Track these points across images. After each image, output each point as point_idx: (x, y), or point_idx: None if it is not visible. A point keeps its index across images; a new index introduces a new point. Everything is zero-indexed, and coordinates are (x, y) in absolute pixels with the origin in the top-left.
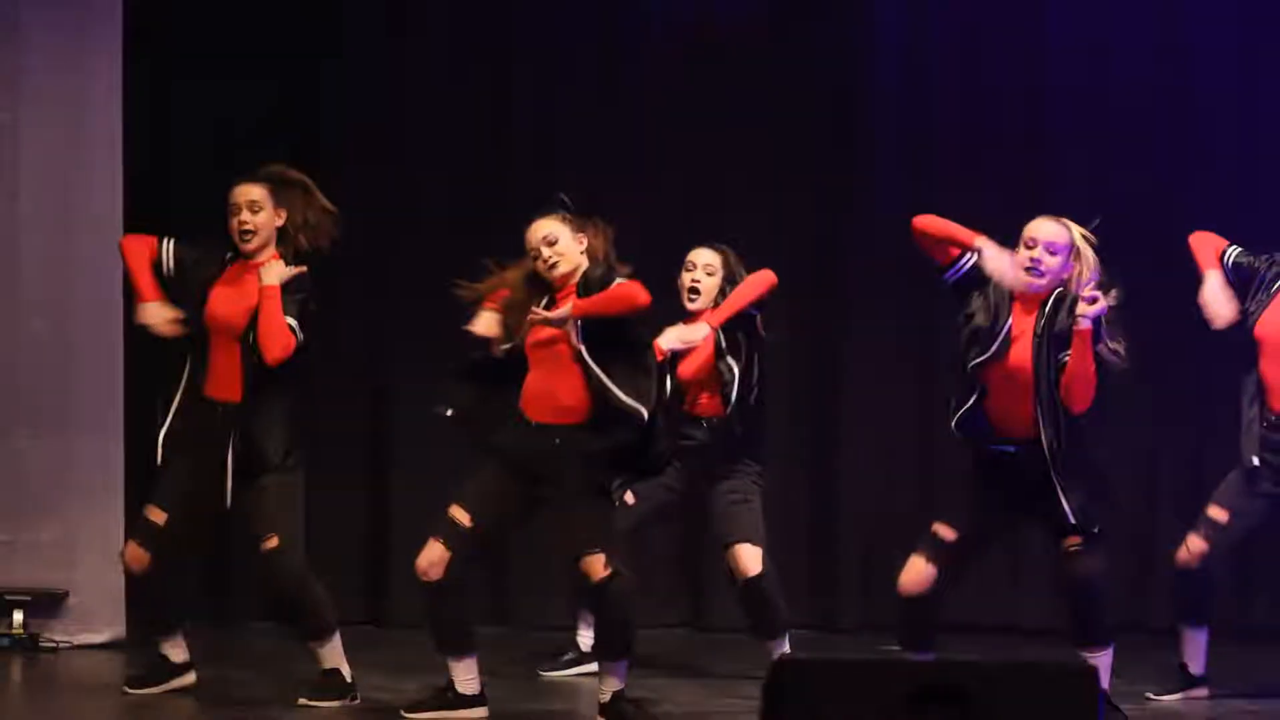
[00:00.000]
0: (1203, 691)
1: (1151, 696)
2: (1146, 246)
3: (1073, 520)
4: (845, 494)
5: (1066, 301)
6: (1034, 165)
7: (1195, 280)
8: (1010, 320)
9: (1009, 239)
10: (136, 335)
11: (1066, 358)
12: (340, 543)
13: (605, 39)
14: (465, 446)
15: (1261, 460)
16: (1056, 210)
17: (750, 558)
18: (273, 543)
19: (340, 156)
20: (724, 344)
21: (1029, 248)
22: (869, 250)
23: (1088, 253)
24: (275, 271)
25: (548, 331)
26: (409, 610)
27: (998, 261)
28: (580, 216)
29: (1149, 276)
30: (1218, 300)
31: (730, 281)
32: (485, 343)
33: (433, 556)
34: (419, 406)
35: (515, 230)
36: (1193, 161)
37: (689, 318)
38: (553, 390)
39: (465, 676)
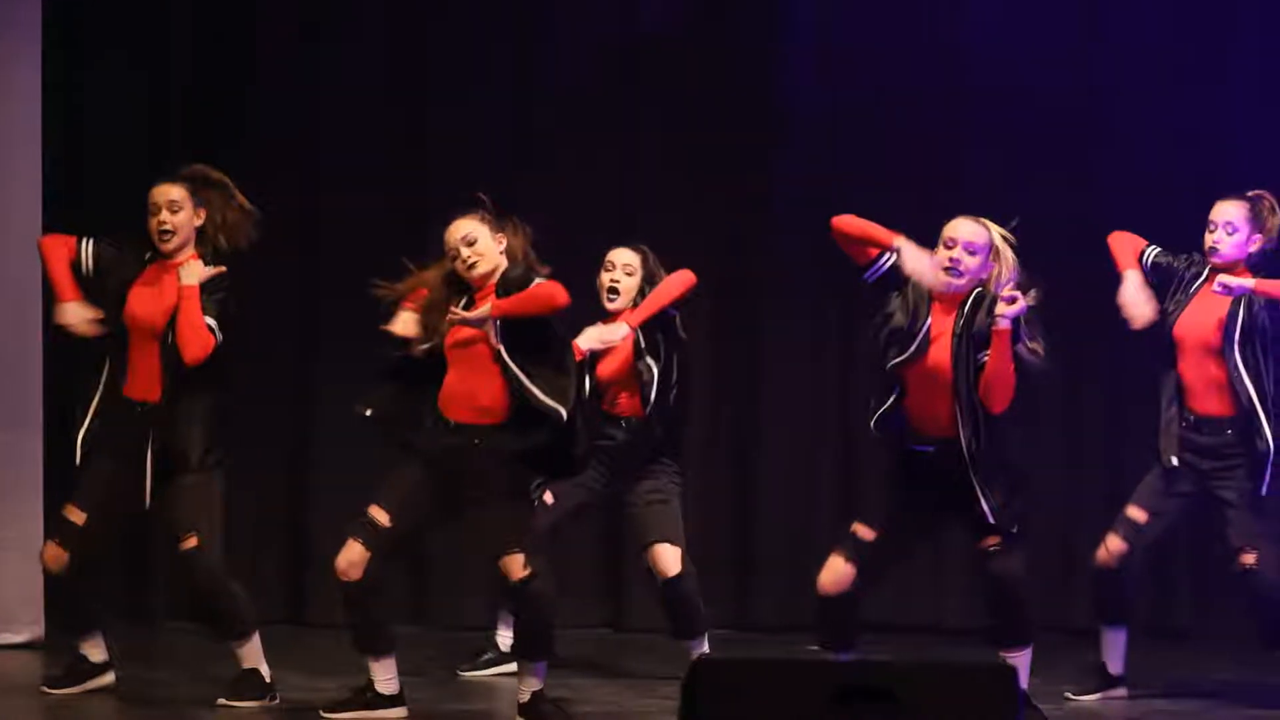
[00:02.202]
0: (1121, 691)
1: (1071, 696)
2: (1065, 246)
3: (991, 520)
4: (765, 494)
5: (985, 301)
6: (953, 165)
7: (1114, 280)
8: (929, 320)
9: (928, 239)
10: (56, 335)
11: (985, 358)
12: (261, 542)
13: (522, 40)
14: (386, 446)
15: (1180, 460)
16: (975, 210)
17: (670, 558)
18: (191, 542)
19: (261, 157)
20: (643, 344)
21: (948, 248)
22: (787, 250)
23: (1006, 253)
24: (194, 271)
25: (467, 332)
26: (328, 610)
27: (916, 261)
28: (499, 216)
29: (1067, 276)
30: (1137, 300)
31: (649, 281)
32: (404, 343)
33: (352, 556)
34: (339, 406)
35: (435, 230)
36: (1110, 161)
37: (608, 317)
38: (472, 390)
39: (384, 676)
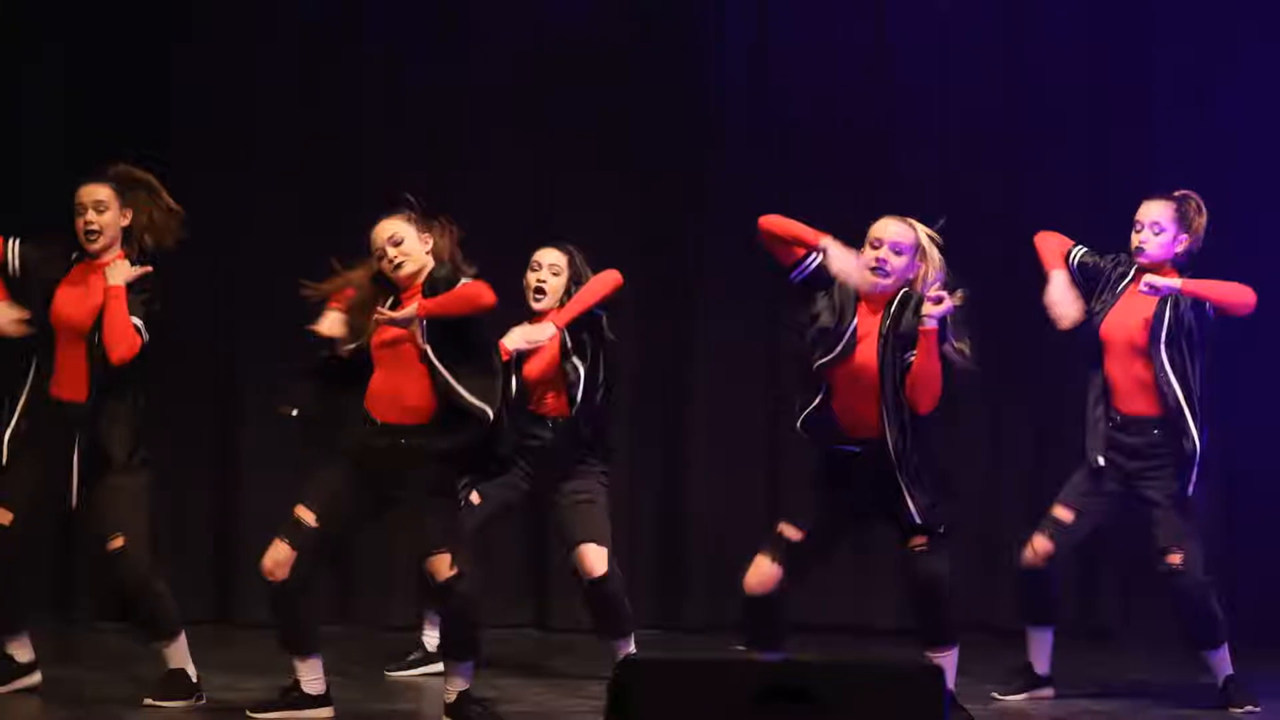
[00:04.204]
0: (1048, 691)
1: (997, 696)
2: (992, 246)
3: (918, 520)
4: (691, 493)
5: (912, 302)
6: (879, 165)
7: (1041, 280)
8: (855, 320)
9: (855, 239)
10: None
11: (912, 358)
12: (188, 542)
13: (451, 37)
14: (313, 446)
15: (1106, 460)
16: (902, 210)
17: (596, 558)
18: (118, 543)
19: (187, 156)
20: (570, 344)
21: (874, 248)
22: (716, 250)
23: (933, 252)
24: (120, 271)
25: (393, 332)
26: (256, 609)
27: (843, 261)
28: (426, 216)
29: (995, 276)
30: (1063, 300)
31: (576, 281)
32: (330, 343)
33: (278, 556)
34: (267, 406)
35: (363, 230)
36: (1038, 160)
37: (535, 317)
38: (398, 390)
39: (311, 676)
